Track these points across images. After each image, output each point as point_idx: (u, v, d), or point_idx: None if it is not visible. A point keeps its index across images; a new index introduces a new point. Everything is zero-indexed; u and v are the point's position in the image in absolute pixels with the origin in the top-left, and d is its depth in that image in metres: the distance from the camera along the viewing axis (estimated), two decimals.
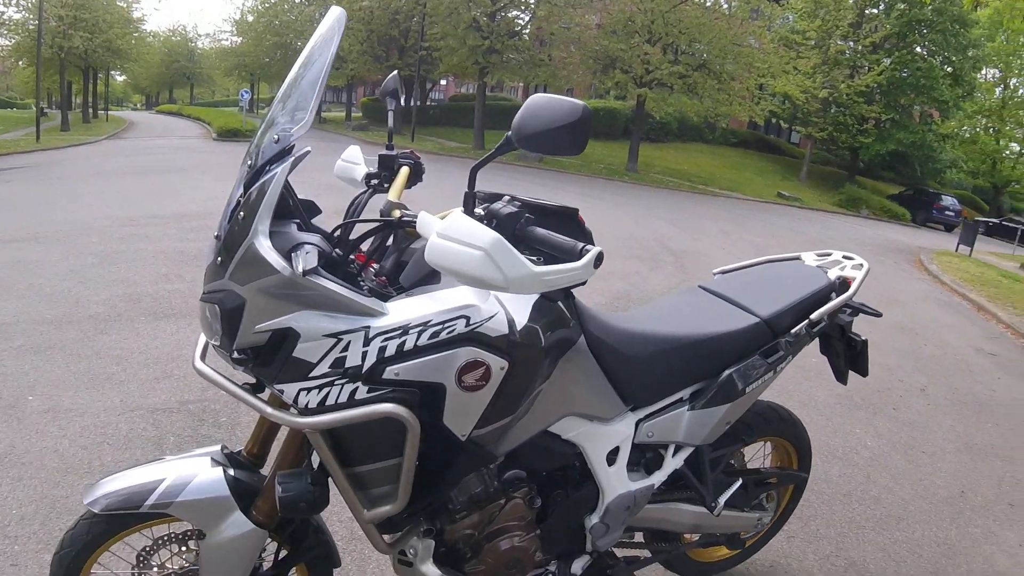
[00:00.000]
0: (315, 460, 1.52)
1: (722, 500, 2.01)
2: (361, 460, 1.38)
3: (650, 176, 23.68)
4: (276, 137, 1.29)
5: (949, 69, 29.47)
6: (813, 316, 1.95)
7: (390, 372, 1.28)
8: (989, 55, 31.18)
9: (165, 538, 1.57)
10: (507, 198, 1.37)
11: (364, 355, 1.26)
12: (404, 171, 1.69)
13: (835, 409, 4.43)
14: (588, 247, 1.20)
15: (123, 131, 21.96)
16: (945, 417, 4.83)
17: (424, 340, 1.29)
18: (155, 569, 1.59)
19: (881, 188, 32.01)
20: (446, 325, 1.30)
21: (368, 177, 1.73)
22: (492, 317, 1.34)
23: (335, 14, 1.41)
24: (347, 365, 1.26)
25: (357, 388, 1.27)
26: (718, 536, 2.22)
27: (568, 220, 1.43)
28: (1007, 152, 33.88)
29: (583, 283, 1.24)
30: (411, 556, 1.55)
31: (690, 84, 22.80)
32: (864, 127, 28.95)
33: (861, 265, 2.21)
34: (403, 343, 1.28)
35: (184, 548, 1.60)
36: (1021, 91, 33.09)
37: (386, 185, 1.72)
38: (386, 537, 1.51)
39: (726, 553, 2.43)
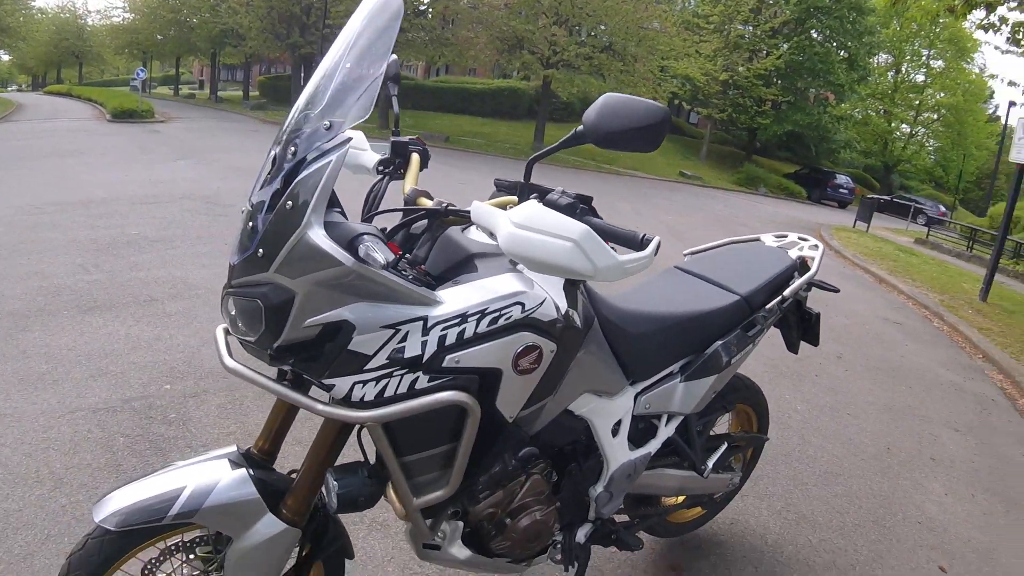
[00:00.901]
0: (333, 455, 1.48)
1: (711, 463, 2.15)
2: (414, 449, 1.37)
3: (557, 155, 23.88)
4: (328, 124, 1.23)
5: (845, 54, 31.14)
6: (786, 292, 2.13)
7: (450, 360, 1.28)
8: (883, 41, 33.22)
9: (172, 547, 1.49)
10: (560, 190, 1.39)
11: (424, 345, 1.26)
12: (415, 158, 1.68)
13: (764, 376, 4.66)
14: (649, 236, 1.27)
15: (12, 114, 20.28)
16: (863, 382, 5.18)
17: (483, 327, 1.30)
18: None
19: (778, 167, 33.50)
20: (503, 312, 1.32)
21: (381, 163, 1.68)
22: (543, 303, 1.37)
23: (385, 4, 1.35)
24: (406, 356, 1.25)
25: (417, 378, 1.27)
26: (700, 497, 2.34)
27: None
28: (897, 133, 36.24)
29: (646, 269, 1.30)
30: (439, 540, 1.55)
31: (595, 65, 23.15)
32: (762, 109, 30.22)
33: (817, 246, 2.40)
34: (463, 331, 1.28)
35: (192, 556, 1.52)
36: (912, 76, 35.38)
37: (401, 172, 1.68)
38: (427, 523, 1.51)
39: (698, 513, 2.59)
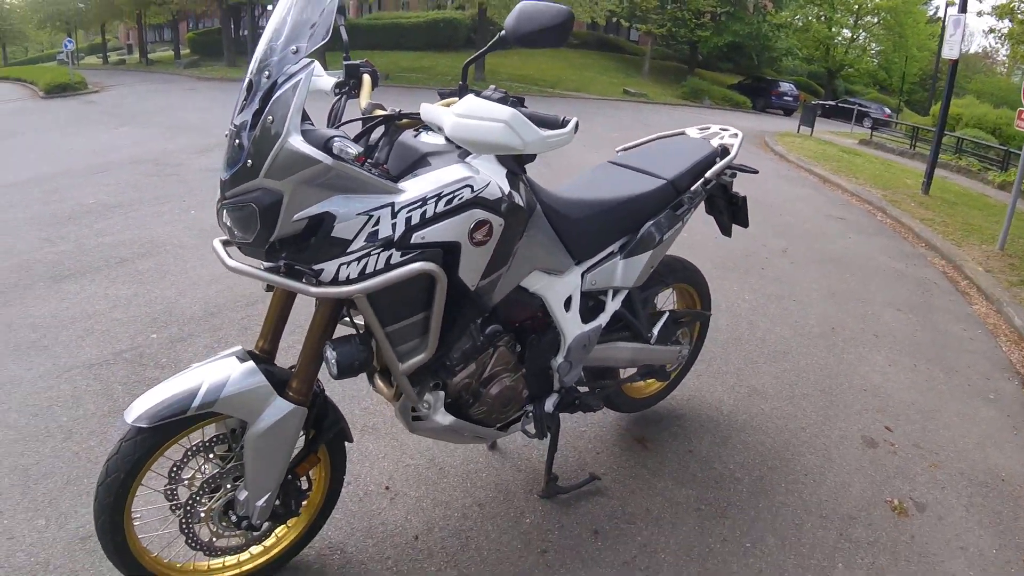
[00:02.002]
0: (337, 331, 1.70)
1: (655, 331, 2.47)
2: (394, 318, 1.61)
3: (499, 83, 23.55)
4: (295, 49, 1.42)
5: None
6: (708, 175, 2.41)
7: (417, 237, 1.52)
8: None
9: (194, 448, 1.69)
10: (493, 87, 1.62)
11: (394, 226, 1.49)
12: (367, 79, 1.85)
13: (713, 272, 4.95)
14: (568, 117, 1.54)
15: None
16: (807, 271, 5.52)
17: (441, 207, 1.53)
18: (187, 481, 1.72)
19: (721, 79, 33.54)
20: (456, 193, 1.56)
21: (337, 86, 1.85)
22: (487, 185, 1.61)
23: None
24: (380, 236, 1.48)
25: (392, 254, 1.49)
26: (652, 367, 2.64)
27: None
28: (839, 38, 36.24)
29: (567, 144, 1.57)
30: (424, 409, 1.80)
31: None
32: (701, 21, 30.10)
33: (736, 134, 2.68)
34: (424, 211, 1.52)
35: (212, 454, 1.73)
36: None
37: (355, 92, 1.85)
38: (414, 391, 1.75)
39: (656, 387, 2.91)
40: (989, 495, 2.81)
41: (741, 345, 3.89)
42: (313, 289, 1.48)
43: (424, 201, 1.52)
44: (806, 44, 35.75)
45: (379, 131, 1.72)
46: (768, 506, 2.51)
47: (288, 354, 1.98)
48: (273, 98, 1.40)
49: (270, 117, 1.39)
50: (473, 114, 1.48)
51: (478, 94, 1.59)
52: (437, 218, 1.54)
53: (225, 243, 1.59)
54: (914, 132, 19.05)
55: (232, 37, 26.93)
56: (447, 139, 1.64)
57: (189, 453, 1.69)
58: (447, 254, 1.58)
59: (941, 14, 35.79)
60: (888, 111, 30.15)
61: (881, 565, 2.30)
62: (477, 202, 1.59)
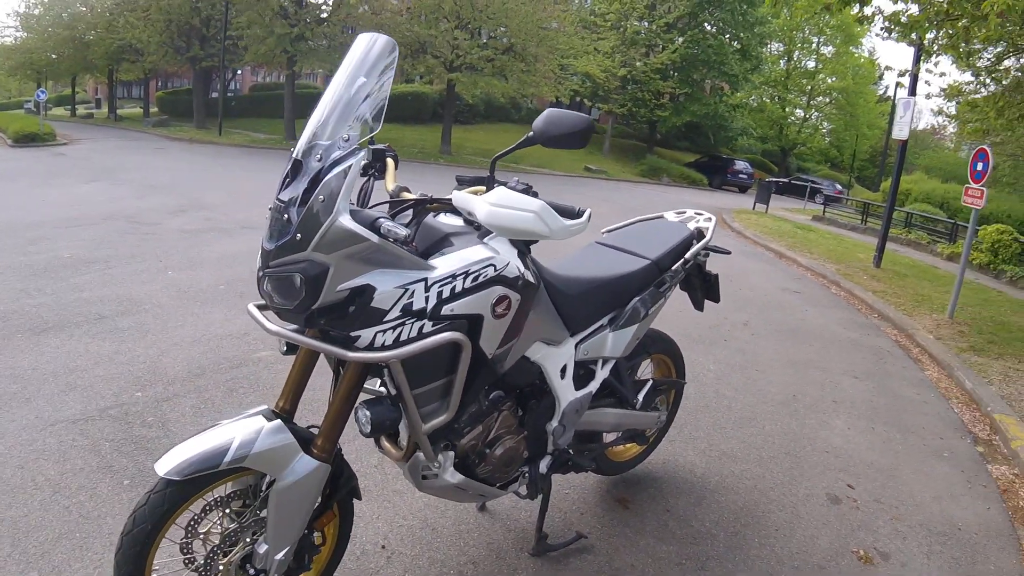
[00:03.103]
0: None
1: (640, 397, 2.66)
2: (421, 382, 1.74)
3: (464, 157, 24.32)
4: (347, 137, 1.59)
5: (738, 45, 32.89)
6: (687, 255, 2.67)
7: (447, 309, 1.67)
8: (774, 31, 35.04)
9: (211, 504, 1.74)
10: (515, 179, 1.82)
11: (427, 299, 1.64)
12: (390, 162, 2.03)
13: (680, 343, 5.14)
14: (583, 208, 1.80)
15: None
16: (768, 342, 5.78)
17: (468, 283, 1.71)
18: (203, 535, 1.76)
19: (678, 157, 34.94)
20: (481, 271, 1.74)
21: (364, 168, 2.01)
22: (508, 264, 1.80)
23: (376, 42, 1.71)
24: (415, 308, 1.63)
25: (424, 324, 1.65)
26: (634, 431, 2.81)
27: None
28: (792, 118, 38.30)
29: (583, 232, 1.82)
30: (435, 469, 1.91)
31: (498, 67, 23.69)
32: (661, 101, 31.49)
33: (710, 218, 2.96)
34: (453, 287, 1.68)
35: (228, 509, 1.79)
36: (803, 62, 37.43)
37: (380, 175, 2.01)
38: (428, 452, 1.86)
39: (635, 451, 3.06)
40: (947, 543, 3.02)
41: (709, 412, 4.06)
42: (352, 354, 1.59)
43: (454, 277, 1.69)
44: (761, 124, 37.61)
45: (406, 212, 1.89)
46: (744, 559, 2.65)
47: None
48: (323, 180, 1.54)
49: (321, 197, 1.53)
50: (506, 204, 1.70)
51: (504, 184, 1.80)
52: (465, 293, 1.70)
53: (260, 308, 1.71)
54: (865, 208, 19.98)
55: (203, 99, 27.12)
56: (466, 222, 1.84)
57: (208, 507, 1.74)
58: (471, 325, 1.75)
59: (891, 93, 37.99)
60: (839, 187, 31.62)
61: None
62: (499, 279, 1.77)
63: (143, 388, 3.51)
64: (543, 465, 2.28)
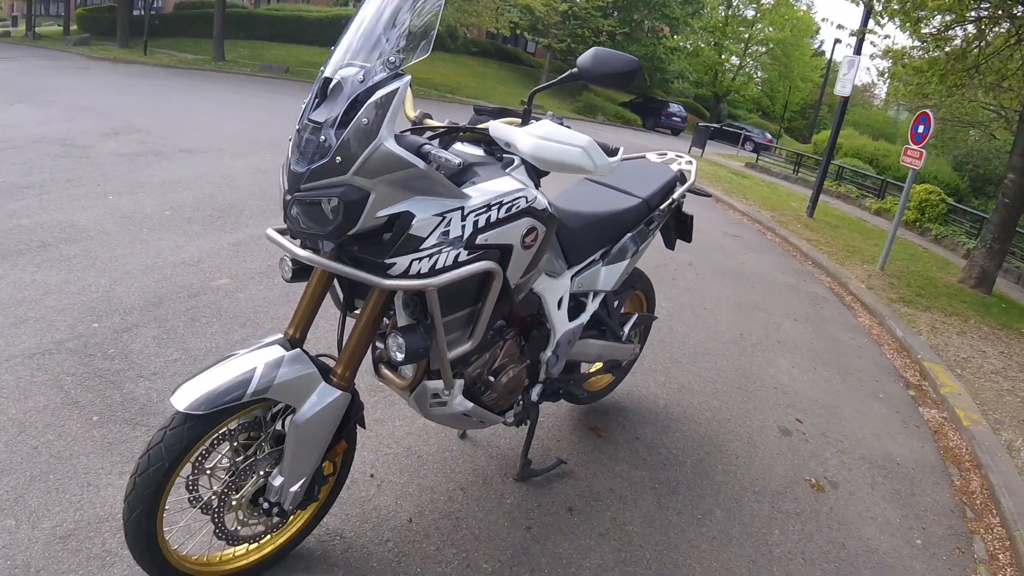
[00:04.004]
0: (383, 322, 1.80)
1: (626, 330, 2.76)
2: (451, 310, 1.75)
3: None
4: (393, 59, 1.53)
5: None
6: (675, 196, 2.74)
7: (481, 239, 1.67)
8: None
9: (219, 437, 1.67)
10: (550, 113, 1.81)
11: (463, 228, 1.63)
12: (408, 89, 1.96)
13: None
14: (616, 146, 1.82)
15: None
16: (713, 283, 5.99)
17: (502, 213, 1.71)
18: (209, 470, 1.71)
19: (614, 96, 34.76)
20: (514, 202, 1.74)
21: None
22: (536, 197, 1.80)
23: None
24: (451, 236, 1.61)
25: (460, 253, 1.64)
26: (614, 362, 2.92)
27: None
28: (727, 65, 38.67)
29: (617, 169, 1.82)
30: (445, 396, 1.93)
31: None
32: (600, 40, 31.19)
33: (691, 161, 3.04)
34: (488, 216, 1.68)
35: (236, 442, 1.73)
36: (743, 11, 37.65)
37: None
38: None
39: (607, 380, 3.17)
40: (888, 476, 3.29)
41: (665, 347, 4.22)
42: (388, 281, 1.56)
43: (488, 207, 1.68)
44: (697, 68, 37.86)
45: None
46: (711, 484, 2.84)
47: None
48: (368, 102, 1.47)
49: (365, 119, 1.46)
50: (553, 138, 1.67)
51: (538, 119, 1.78)
52: (499, 223, 1.71)
53: (284, 232, 1.67)
54: (798, 159, 20.57)
55: (126, 16, 25.31)
56: (487, 152, 1.83)
57: (216, 441, 1.68)
58: (502, 254, 1.75)
59: (826, 49, 38.73)
60: (769, 136, 32.34)
61: (809, 531, 2.69)
62: (529, 211, 1.79)
63: (99, 319, 3.38)
64: (534, 393, 2.34)
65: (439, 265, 1.61)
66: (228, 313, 3.58)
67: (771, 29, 37.15)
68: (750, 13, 38.16)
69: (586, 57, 1.71)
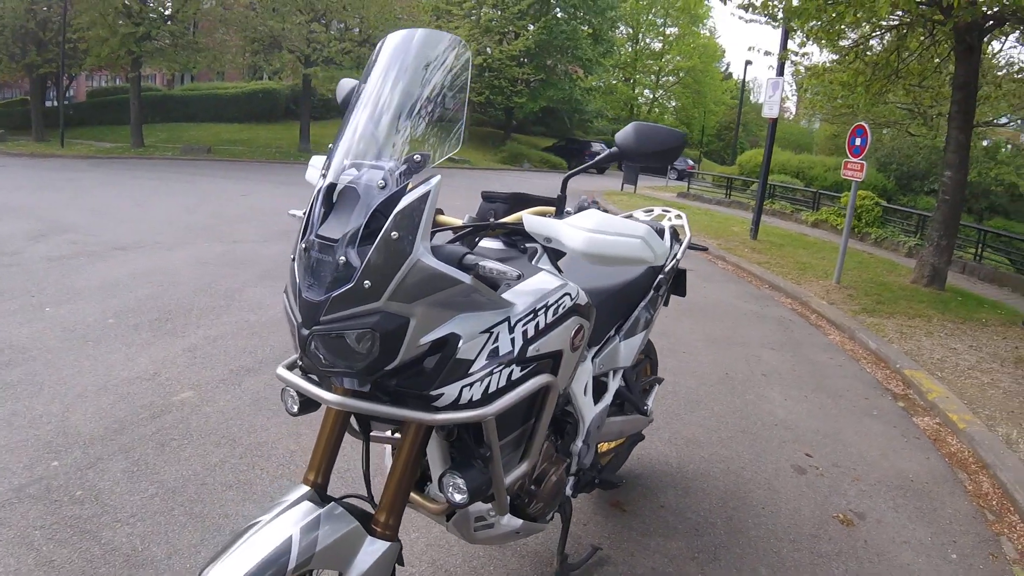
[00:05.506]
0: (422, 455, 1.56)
1: (650, 403, 2.61)
2: (503, 434, 1.54)
3: (319, 148, 23.39)
4: (418, 157, 1.32)
5: (589, 29, 33.76)
6: (677, 255, 2.62)
7: (532, 350, 1.47)
8: (623, 14, 36.25)
9: None
10: (584, 197, 1.67)
11: (512, 341, 1.43)
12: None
13: None
14: (660, 225, 1.73)
15: None
16: (682, 321, 5.95)
17: (550, 317, 1.52)
18: None
19: (535, 142, 35.58)
20: (559, 302, 1.55)
21: None
22: (579, 292, 1.63)
23: (430, 40, 1.46)
24: (501, 353, 1.41)
25: (513, 370, 1.43)
26: (635, 436, 2.77)
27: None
28: (641, 98, 39.94)
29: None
30: (491, 518, 1.73)
31: (356, 59, 23.06)
32: (516, 88, 31.84)
33: (680, 215, 2.91)
34: (537, 323, 1.48)
35: None
36: (650, 44, 39.16)
37: None
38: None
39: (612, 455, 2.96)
40: (907, 495, 3.28)
41: (659, 400, 4.06)
42: (440, 416, 1.36)
43: (535, 313, 1.49)
44: (613, 105, 39.08)
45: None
46: (747, 542, 2.72)
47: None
48: (396, 211, 1.26)
49: (395, 233, 1.25)
50: (608, 230, 1.41)
51: (581, 207, 1.64)
52: (548, 328, 1.52)
53: (300, 370, 1.46)
54: (728, 182, 21.18)
55: (40, 109, 24.49)
56: (507, 244, 1.67)
57: None
58: (554, 361, 1.56)
59: (734, 71, 40.31)
60: (691, 162, 33.38)
61: (853, 570, 2.62)
62: (575, 309, 1.61)
63: (58, 455, 3.05)
64: (568, 487, 2.16)
65: (492, 388, 1.40)
66: (199, 432, 3.28)
67: (679, 58, 38.66)
68: (657, 46, 39.69)
69: (627, 134, 1.52)
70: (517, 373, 1.45)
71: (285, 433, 3.28)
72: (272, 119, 29.54)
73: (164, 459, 3.02)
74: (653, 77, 39.46)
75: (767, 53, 10.17)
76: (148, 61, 22.18)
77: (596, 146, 33.19)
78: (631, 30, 39.61)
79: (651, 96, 40.37)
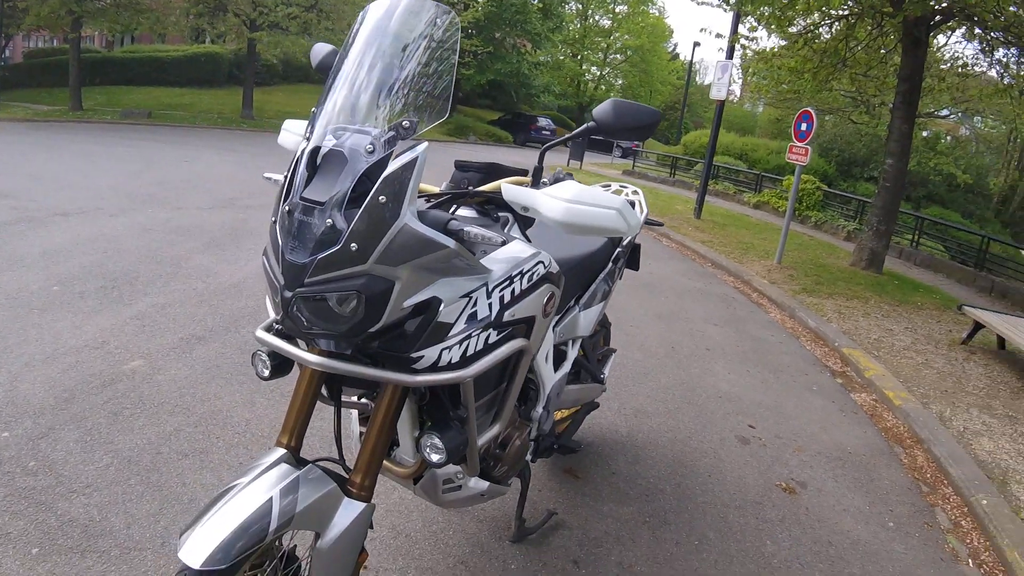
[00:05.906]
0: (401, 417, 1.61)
1: (606, 370, 2.73)
2: (478, 396, 1.61)
3: (267, 121, 22.64)
4: (407, 124, 1.34)
5: (539, 3, 33.48)
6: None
7: (508, 315, 1.53)
8: None
9: None
10: (559, 170, 1.69)
11: (490, 306, 1.49)
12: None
13: None
14: (632, 197, 1.73)
15: None
16: (629, 297, 6.09)
17: (524, 284, 1.58)
18: None
19: (482, 115, 35.04)
20: (533, 270, 1.62)
21: None
22: (551, 260, 1.69)
23: (425, 8, 1.47)
24: (479, 317, 1.46)
25: (490, 334, 1.49)
26: (591, 403, 2.88)
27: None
28: (588, 75, 40.00)
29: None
30: (459, 480, 1.80)
31: (303, 24, 22.42)
32: (464, 60, 31.53)
33: (637, 191, 2.98)
34: (513, 289, 1.54)
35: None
36: (599, 21, 39.13)
37: None
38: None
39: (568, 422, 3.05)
40: (845, 466, 3.48)
41: (609, 371, 4.23)
42: (419, 378, 1.40)
43: (511, 279, 1.54)
44: (560, 81, 39.00)
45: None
46: (696, 507, 2.87)
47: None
48: (384, 175, 1.28)
49: (382, 197, 1.27)
50: (585, 201, 1.43)
51: (557, 178, 1.70)
52: (523, 294, 1.58)
53: (278, 332, 1.49)
54: (673, 162, 21.50)
55: None
56: (480, 212, 1.71)
57: None
58: (527, 326, 1.63)
59: (680, 52, 40.68)
60: (636, 141, 33.58)
61: (796, 535, 2.79)
62: (548, 277, 1.67)
63: (8, 426, 2.98)
64: (527, 453, 2.24)
65: (470, 351, 1.45)
66: (152, 401, 3.25)
67: (628, 37, 38.82)
68: (606, 23, 39.75)
69: (604, 110, 1.58)
70: (494, 337, 1.51)
71: (240, 401, 3.27)
72: (214, 84, 28.50)
73: (117, 428, 2.99)
74: (601, 54, 39.55)
75: (718, 36, 10.34)
76: (89, 22, 21.05)
77: (542, 121, 33.11)
78: (581, 6, 39.52)
79: (598, 73, 40.48)
